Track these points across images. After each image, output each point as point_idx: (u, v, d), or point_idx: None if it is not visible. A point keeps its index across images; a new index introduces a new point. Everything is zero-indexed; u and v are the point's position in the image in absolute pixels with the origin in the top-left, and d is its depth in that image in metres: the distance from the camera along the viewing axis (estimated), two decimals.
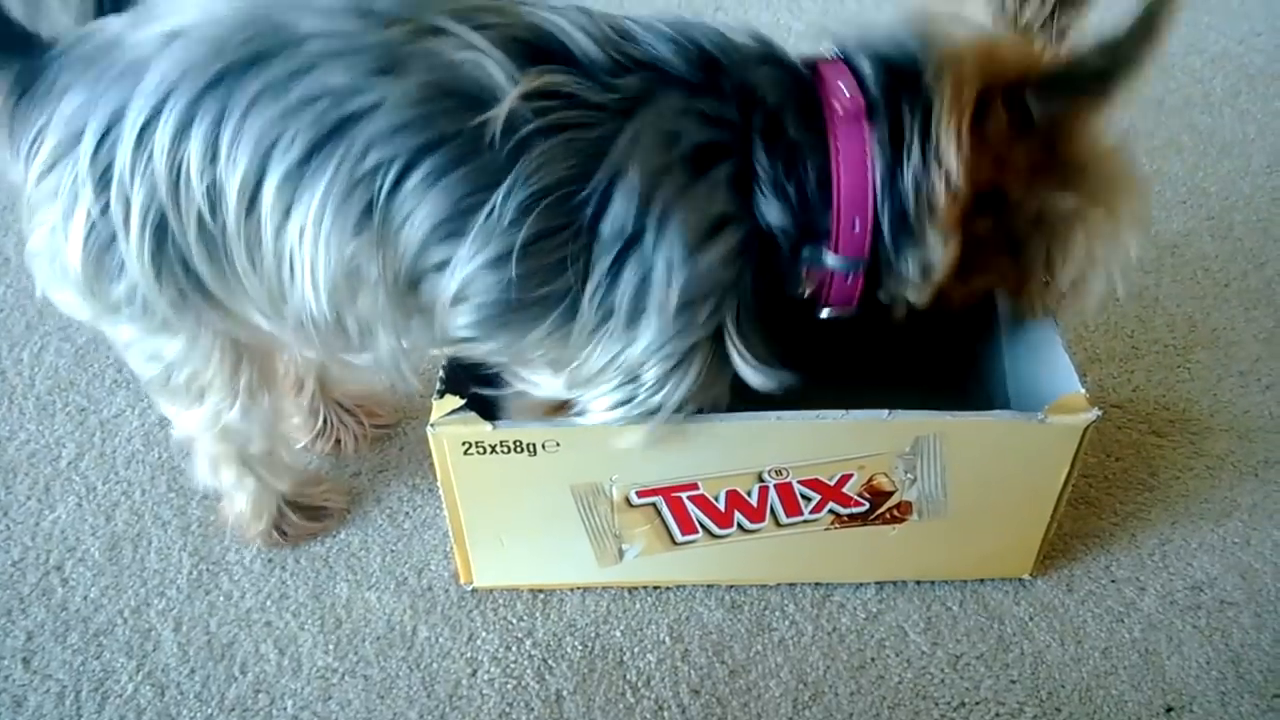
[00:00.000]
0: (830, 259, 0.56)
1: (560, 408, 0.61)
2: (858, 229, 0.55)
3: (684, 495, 0.65)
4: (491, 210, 0.50)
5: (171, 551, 0.74)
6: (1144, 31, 0.47)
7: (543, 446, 0.62)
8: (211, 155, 0.50)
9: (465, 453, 0.62)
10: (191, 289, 0.55)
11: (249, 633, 0.69)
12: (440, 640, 0.69)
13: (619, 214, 0.52)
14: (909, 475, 0.64)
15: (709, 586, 0.71)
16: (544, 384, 0.60)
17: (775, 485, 0.64)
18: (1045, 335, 0.66)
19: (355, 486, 0.78)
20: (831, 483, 0.64)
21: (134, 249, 0.52)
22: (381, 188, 0.50)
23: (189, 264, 0.53)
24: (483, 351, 0.58)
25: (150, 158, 0.50)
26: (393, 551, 0.74)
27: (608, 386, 0.57)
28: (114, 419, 0.84)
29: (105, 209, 0.52)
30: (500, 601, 0.71)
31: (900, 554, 0.69)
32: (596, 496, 0.64)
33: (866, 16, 1.35)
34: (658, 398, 0.57)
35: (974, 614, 0.70)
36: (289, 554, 0.74)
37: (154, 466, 0.80)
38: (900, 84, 0.54)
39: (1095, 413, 0.60)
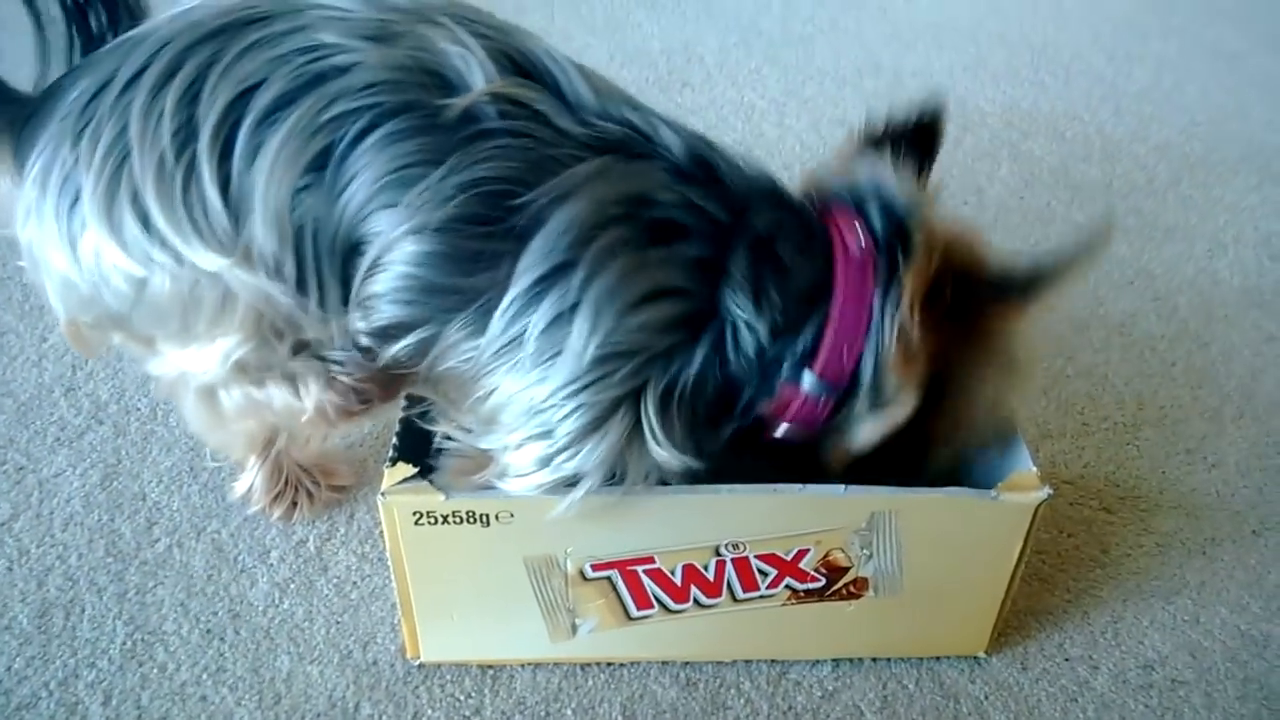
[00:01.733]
0: (808, 380, 0.57)
1: (484, 467, 0.60)
2: (845, 359, 0.56)
3: (640, 569, 0.64)
4: (429, 183, 0.51)
5: (105, 620, 0.71)
6: (1075, 260, 0.55)
7: (496, 517, 0.61)
8: (191, 96, 0.52)
9: (416, 522, 0.61)
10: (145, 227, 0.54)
11: (182, 708, 0.66)
12: (384, 718, 0.66)
13: (555, 235, 0.52)
14: (865, 551, 0.64)
15: (663, 663, 0.70)
16: (458, 420, 0.59)
17: (732, 560, 0.63)
18: None
19: (301, 554, 0.76)
20: (788, 558, 0.63)
21: (89, 184, 0.53)
22: (340, 139, 0.51)
23: (140, 198, 0.53)
24: (399, 350, 0.57)
25: (129, 103, 0.52)
26: (338, 623, 0.72)
27: (520, 434, 0.56)
28: (53, 479, 0.81)
29: (76, 156, 0.53)
30: (448, 677, 0.69)
31: (856, 631, 0.69)
32: (550, 569, 0.63)
33: (826, 99, 1.40)
34: (574, 461, 0.56)
35: (930, 693, 0.69)
36: (228, 624, 0.71)
37: (92, 530, 0.77)
38: (899, 241, 0.56)
39: (1046, 491, 0.61)
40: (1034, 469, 0.62)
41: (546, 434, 0.56)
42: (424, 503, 0.60)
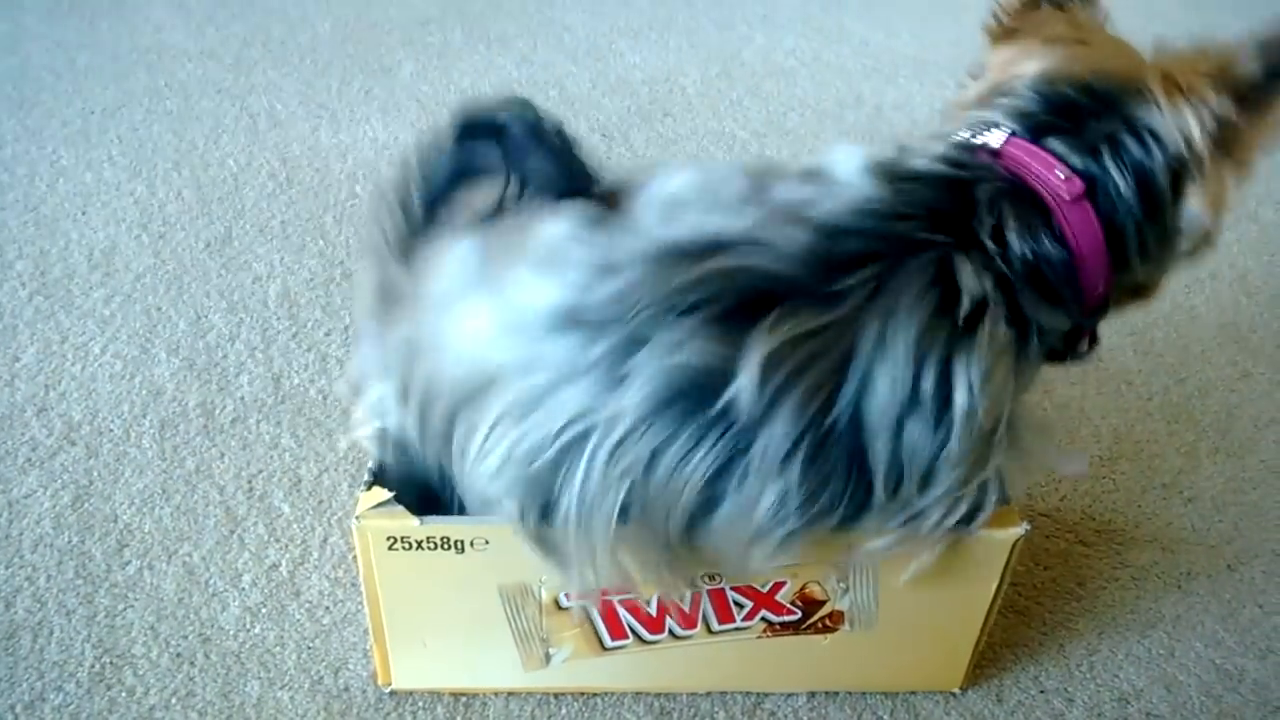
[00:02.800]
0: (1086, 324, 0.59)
1: None
2: (1100, 293, 0.57)
3: (615, 599, 0.63)
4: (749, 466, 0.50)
5: (74, 643, 0.70)
6: None
7: (471, 544, 0.60)
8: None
9: (390, 548, 0.60)
10: None
11: None
12: None
13: (884, 395, 0.51)
14: (841, 585, 0.63)
15: (637, 694, 0.69)
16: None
17: (708, 591, 0.63)
18: None
19: (274, 579, 0.75)
20: (764, 590, 0.63)
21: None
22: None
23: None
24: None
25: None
26: (309, 649, 0.71)
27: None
28: (24, 499, 0.80)
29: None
30: (420, 705, 0.68)
31: (832, 664, 0.69)
32: (524, 598, 0.63)
33: (808, 130, 1.42)
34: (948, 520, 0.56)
35: None
36: (198, 648, 0.70)
37: (62, 551, 0.76)
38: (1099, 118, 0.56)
39: (1025, 527, 0.61)
40: (1014, 507, 0.62)
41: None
42: (398, 528, 0.59)
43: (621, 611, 0.64)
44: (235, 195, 1.21)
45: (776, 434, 0.49)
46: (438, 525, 0.59)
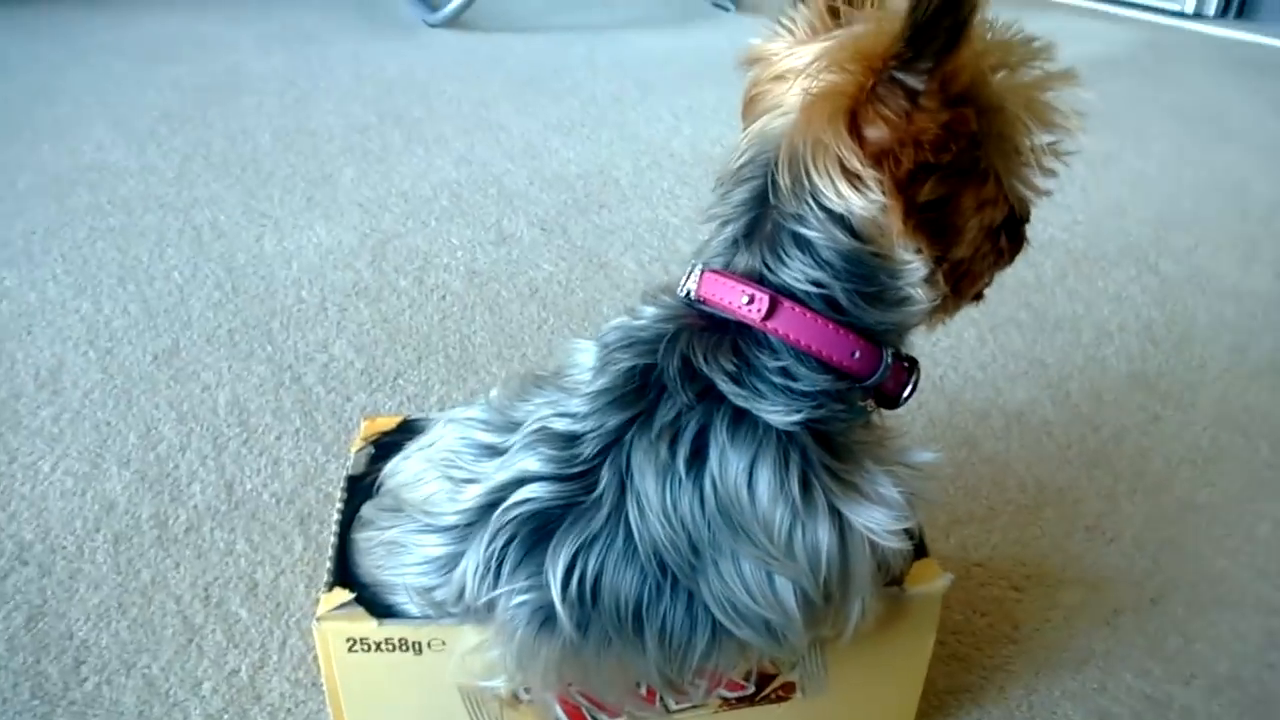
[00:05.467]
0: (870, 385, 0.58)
1: None
2: (859, 356, 0.56)
3: (574, 689, 0.65)
4: None
5: None
6: None
7: (428, 645, 0.61)
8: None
9: (350, 649, 0.62)
10: None
11: None
12: None
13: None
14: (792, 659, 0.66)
15: None
16: None
17: None
18: None
19: (234, 684, 0.76)
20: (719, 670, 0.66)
21: None
22: None
23: None
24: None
25: None
26: None
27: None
28: None
29: None
30: None
31: None
32: (484, 694, 0.64)
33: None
34: None
35: None
36: None
37: (17, 673, 0.76)
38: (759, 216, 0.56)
39: (949, 577, 0.65)
40: (933, 559, 0.66)
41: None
42: (357, 629, 0.61)
43: (581, 701, 0.66)
44: (181, 306, 1.23)
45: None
46: (395, 627, 0.61)
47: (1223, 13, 2.73)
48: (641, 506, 0.54)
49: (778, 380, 0.55)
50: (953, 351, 1.20)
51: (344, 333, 1.19)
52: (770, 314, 0.55)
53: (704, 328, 0.57)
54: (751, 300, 0.55)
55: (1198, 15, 2.72)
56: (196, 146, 1.68)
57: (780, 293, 0.56)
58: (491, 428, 0.59)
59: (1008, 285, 1.34)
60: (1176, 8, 2.74)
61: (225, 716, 0.74)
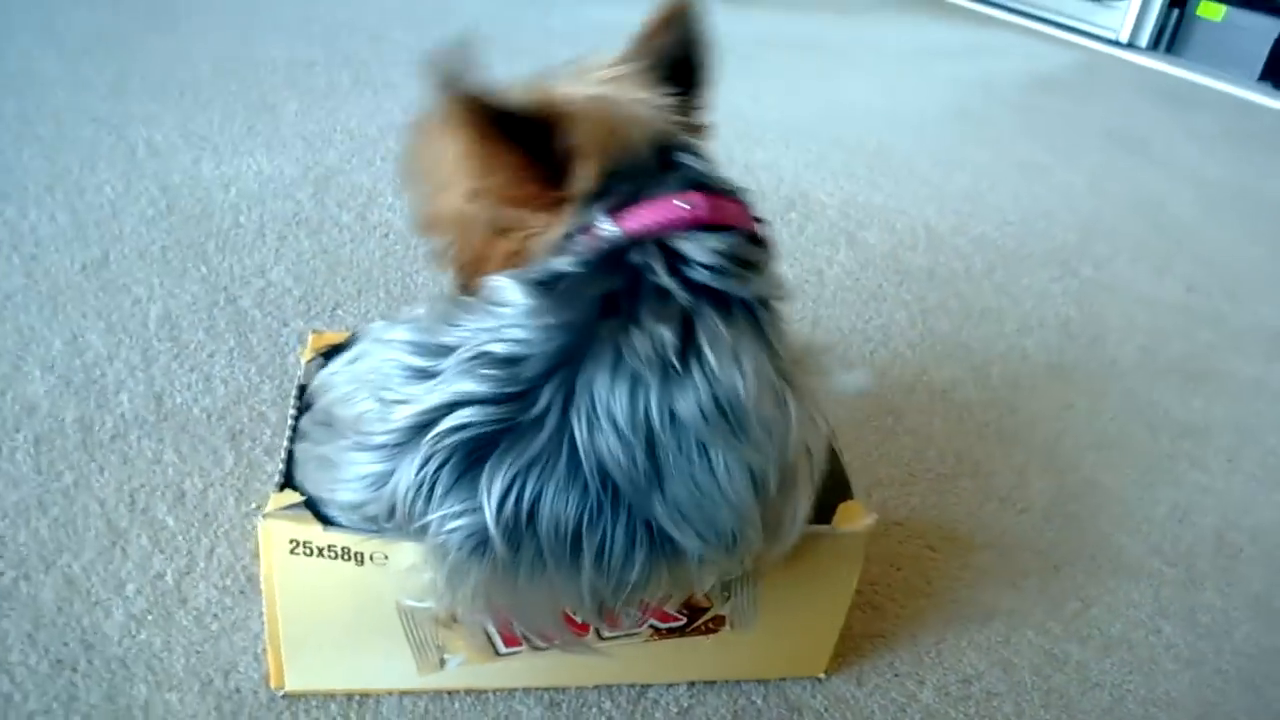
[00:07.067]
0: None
1: None
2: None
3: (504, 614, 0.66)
4: None
5: None
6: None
7: (370, 557, 0.62)
8: None
9: (292, 551, 0.62)
10: None
11: None
12: None
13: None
14: (724, 593, 0.68)
15: (528, 689, 0.72)
16: None
17: None
18: None
19: (159, 588, 0.75)
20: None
21: None
22: None
23: None
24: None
25: None
26: (198, 653, 0.71)
27: None
28: None
29: None
30: (313, 705, 0.69)
31: (710, 658, 0.73)
32: (421, 611, 0.65)
33: None
34: None
35: (776, 707, 0.74)
36: (80, 655, 0.69)
37: None
38: None
39: (873, 517, 0.69)
40: (858, 500, 0.69)
41: None
42: (301, 532, 0.61)
43: (516, 624, 0.66)
44: (113, 220, 1.20)
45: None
46: (340, 535, 0.61)
47: (1154, 44, 2.86)
48: (590, 423, 0.54)
49: (731, 266, 0.58)
50: (884, 330, 1.24)
51: (283, 260, 1.17)
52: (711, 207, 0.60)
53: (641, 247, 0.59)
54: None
55: (1131, 45, 2.85)
56: (132, 66, 1.62)
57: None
58: (421, 350, 0.58)
59: (939, 275, 1.39)
60: (1112, 35, 2.87)
61: (149, 617, 0.73)
